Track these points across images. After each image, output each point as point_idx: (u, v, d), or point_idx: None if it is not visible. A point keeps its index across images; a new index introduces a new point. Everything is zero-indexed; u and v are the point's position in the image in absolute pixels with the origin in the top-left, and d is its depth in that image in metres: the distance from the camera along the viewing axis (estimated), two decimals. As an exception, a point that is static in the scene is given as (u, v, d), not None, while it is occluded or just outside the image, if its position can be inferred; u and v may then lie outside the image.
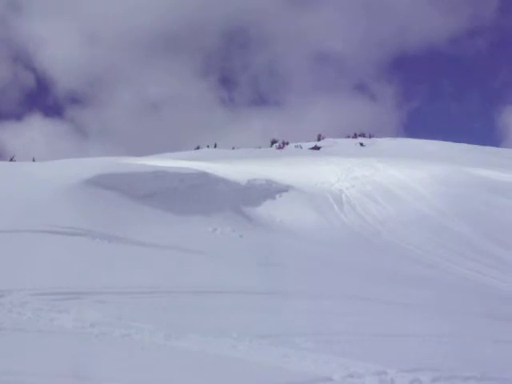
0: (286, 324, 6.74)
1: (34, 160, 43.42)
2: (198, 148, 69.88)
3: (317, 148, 66.67)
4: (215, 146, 71.11)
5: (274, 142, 79.59)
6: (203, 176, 22.03)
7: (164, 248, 11.99)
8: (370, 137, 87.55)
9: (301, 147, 68.74)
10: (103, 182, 16.55)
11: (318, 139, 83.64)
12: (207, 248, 13.17)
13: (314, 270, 12.78)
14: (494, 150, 69.75)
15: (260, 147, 71.19)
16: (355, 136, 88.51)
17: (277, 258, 13.49)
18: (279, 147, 59.00)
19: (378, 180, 34.07)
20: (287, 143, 77.32)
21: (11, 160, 40.88)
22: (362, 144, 76.58)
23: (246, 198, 25.42)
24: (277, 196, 28.27)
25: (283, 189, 29.43)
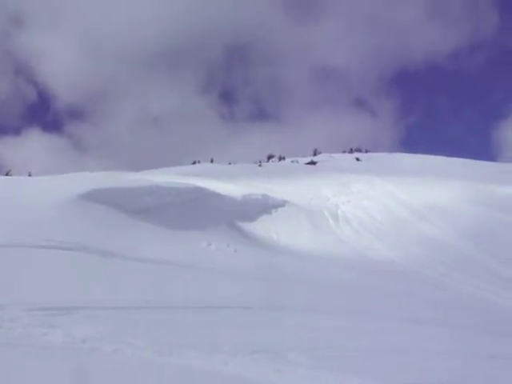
0: (280, 339, 6.70)
1: (30, 175, 43.40)
2: (194, 163, 69.98)
3: (313, 163, 66.84)
4: (212, 161, 71.24)
5: (270, 156, 79.76)
6: (198, 191, 22.04)
7: (158, 263, 11.94)
8: (366, 151, 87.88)
9: (297, 162, 68.90)
10: (98, 197, 16.54)
11: (314, 154, 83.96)
12: (201, 263, 13.13)
13: (309, 286, 12.73)
14: (491, 164, 70.05)
15: (256, 162, 71.21)
16: (351, 151, 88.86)
17: (272, 273, 13.46)
18: (259, 164, 59.27)
19: (374, 195, 34.14)
20: (283, 158, 77.47)
21: (7, 174, 40.83)
22: (358, 159, 76.83)
23: (242, 213, 25.42)
24: (273, 211, 28.29)
25: (279, 204, 29.46)
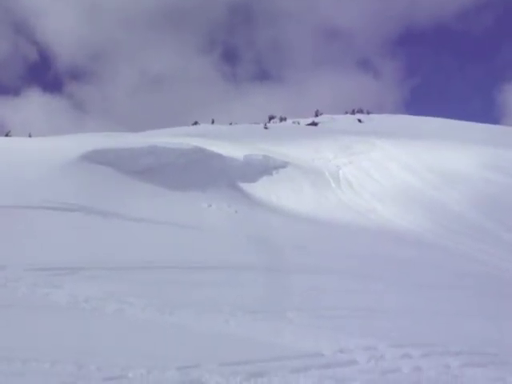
0: (279, 299, 6.78)
1: (30, 135, 43.23)
2: (195, 123, 69.67)
3: (314, 124, 66.55)
4: (212, 122, 70.88)
5: (271, 117, 79.37)
6: (199, 152, 21.99)
7: (159, 223, 12.01)
8: (368, 113, 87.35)
9: (298, 123, 68.57)
10: (98, 158, 16.54)
11: (316, 115, 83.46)
12: (202, 223, 13.20)
13: (310, 247, 12.80)
14: (494, 127, 69.60)
15: (258, 123, 70.86)
16: (353, 112, 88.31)
17: (273, 234, 13.53)
18: (265, 127, 58.06)
19: (375, 157, 34.05)
20: (285, 119, 77.11)
21: (7, 135, 40.66)
22: (359, 120, 76.44)
23: (243, 174, 25.42)
24: (274, 172, 28.29)
25: (280, 165, 29.44)
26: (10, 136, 38.30)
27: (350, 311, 6.61)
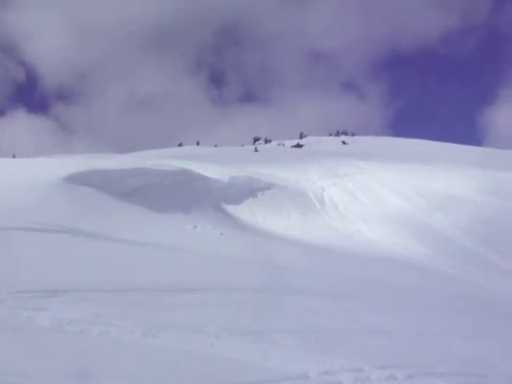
0: (266, 321, 6.75)
1: (14, 156, 43.00)
2: (180, 145, 69.75)
3: (299, 146, 66.96)
4: (198, 144, 71.04)
5: (256, 139, 79.74)
6: (184, 173, 21.99)
7: (144, 245, 11.95)
8: (353, 135, 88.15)
9: (283, 145, 68.96)
10: (84, 179, 16.48)
11: (301, 137, 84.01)
12: (187, 245, 13.16)
13: (296, 269, 12.80)
14: (479, 149, 70.48)
15: (243, 145, 71.17)
16: (338, 134, 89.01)
17: (259, 256, 13.52)
18: (256, 150, 57.08)
19: (360, 179, 34.26)
20: (270, 141, 77.50)
21: (-10, 156, 40.36)
22: (344, 142, 77.02)
23: (228, 195, 25.44)
24: (259, 194, 28.35)
25: (265, 186, 29.52)
26: (-6, 157, 38.02)
27: (336, 333, 6.61)
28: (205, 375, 4.44)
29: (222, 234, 16.35)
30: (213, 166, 31.00)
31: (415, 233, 23.67)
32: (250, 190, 28.10)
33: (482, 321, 9.37)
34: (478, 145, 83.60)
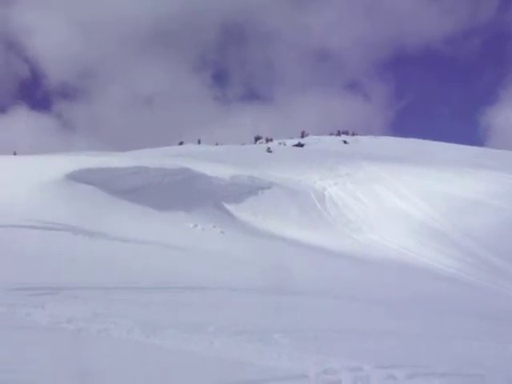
0: (265, 320, 6.74)
1: (15, 154, 42.99)
2: (180, 143, 69.70)
3: (300, 145, 66.93)
4: (199, 142, 70.96)
5: (257, 138, 79.67)
6: (185, 172, 21.96)
7: (144, 243, 11.93)
8: (354, 134, 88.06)
9: (284, 144, 68.91)
10: (84, 177, 16.45)
11: (302, 136, 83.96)
12: (188, 244, 13.14)
13: (296, 269, 12.78)
14: (475, 149, 70.32)
15: (244, 144, 71.07)
16: (338, 133, 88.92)
17: (258, 255, 13.50)
18: (269, 150, 52.00)
19: (360, 178, 34.25)
20: (271, 140, 77.40)
21: (-9, 154, 40.34)
22: (345, 142, 76.97)
23: (228, 194, 25.42)
24: (259, 193, 28.34)
25: (266, 185, 29.50)
26: (-5, 154, 38.00)
27: (335, 333, 6.60)
28: (204, 374, 4.43)
29: (222, 232, 16.33)
30: (213, 164, 30.92)
31: (415, 234, 23.67)
32: (250, 189, 28.10)
33: (484, 324, 9.35)
34: (481, 145, 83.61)
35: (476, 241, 21.55)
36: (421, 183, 30.58)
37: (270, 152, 50.63)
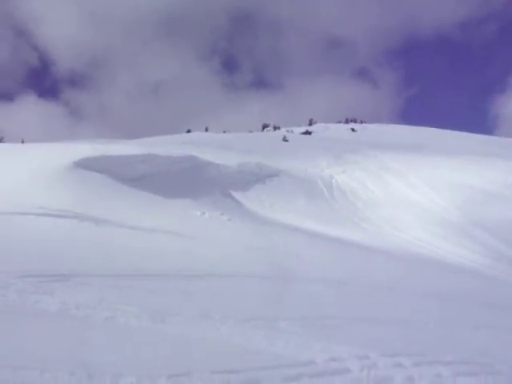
0: (272, 307, 6.75)
1: (23, 142, 43.09)
2: (188, 131, 69.67)
3: (308, 133, 66.72)
4: (206, 130, 70.90)
5: (265, 126, 79.50)
6: (193, 159, 21.95)
7: (151, 231, 11.97)
8: (362, 122, 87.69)
9: (292, 132, 68.71)
10: (92, 165, 16.47)
11: (310, 124, 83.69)
12: (195, 231, 13.16)
13: (303, 257, 12.80)
14: (485, 138, 69.85)
15: (251, 131, 70.96)
16: (347, 121, 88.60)
17: (266, 243, 13.52)
18: (285, 139, 49.52)
19: (368, 166, 34.13)
20: (278, 128, 77.26)
21: (0, 141, 40.51)
22: (353, 129, 76.67)
23: (236, 181, 25.42)
24: (267, 180, 28.33)
25: (274, 173, 29.47)
26: (3, 142, 38.17)
27: (343, 320, 6.60)
28: (210, 360, 4.44)
29: (229, 220, 16.34)
30: (221, 152, 30.89)
31: (430, 225, 23.57)
32: (258, 177, 28.08)
33: (490, 311, 9.33)
34: (490, 133, 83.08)
35: (493, 234, 21.35)
36: (432, 173, 30.41)
37: (287, 141, 49.46)
